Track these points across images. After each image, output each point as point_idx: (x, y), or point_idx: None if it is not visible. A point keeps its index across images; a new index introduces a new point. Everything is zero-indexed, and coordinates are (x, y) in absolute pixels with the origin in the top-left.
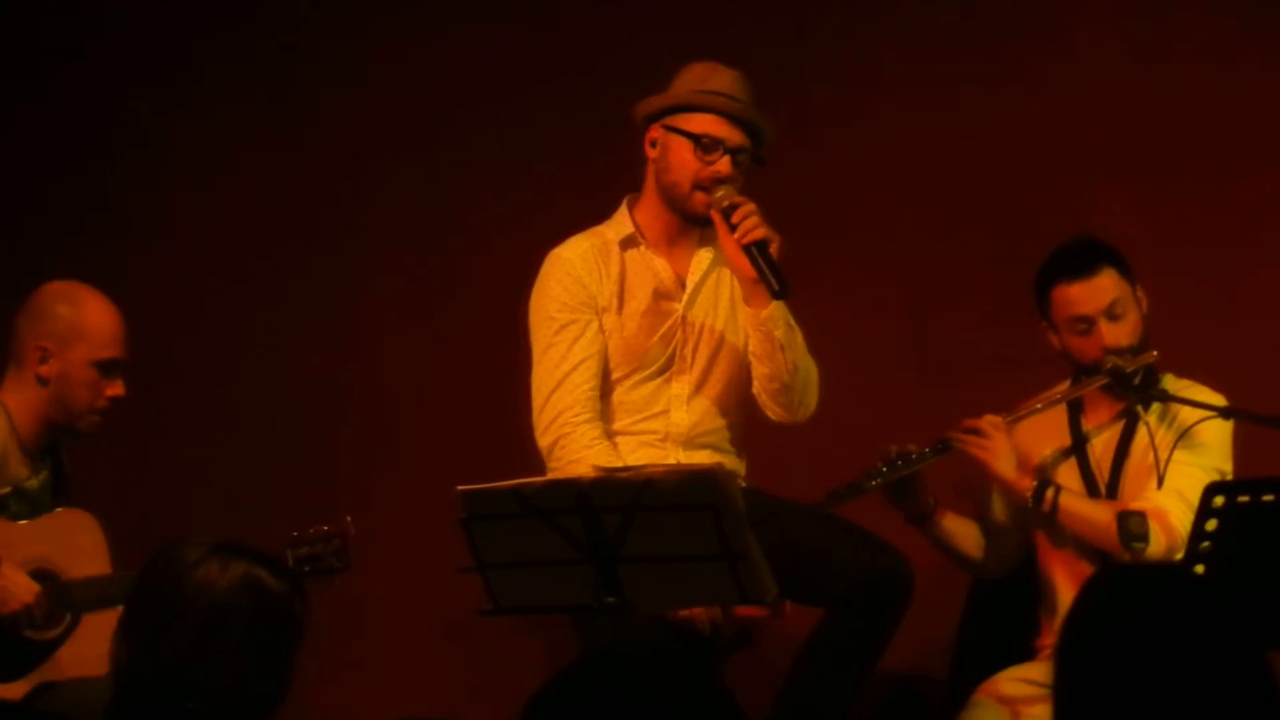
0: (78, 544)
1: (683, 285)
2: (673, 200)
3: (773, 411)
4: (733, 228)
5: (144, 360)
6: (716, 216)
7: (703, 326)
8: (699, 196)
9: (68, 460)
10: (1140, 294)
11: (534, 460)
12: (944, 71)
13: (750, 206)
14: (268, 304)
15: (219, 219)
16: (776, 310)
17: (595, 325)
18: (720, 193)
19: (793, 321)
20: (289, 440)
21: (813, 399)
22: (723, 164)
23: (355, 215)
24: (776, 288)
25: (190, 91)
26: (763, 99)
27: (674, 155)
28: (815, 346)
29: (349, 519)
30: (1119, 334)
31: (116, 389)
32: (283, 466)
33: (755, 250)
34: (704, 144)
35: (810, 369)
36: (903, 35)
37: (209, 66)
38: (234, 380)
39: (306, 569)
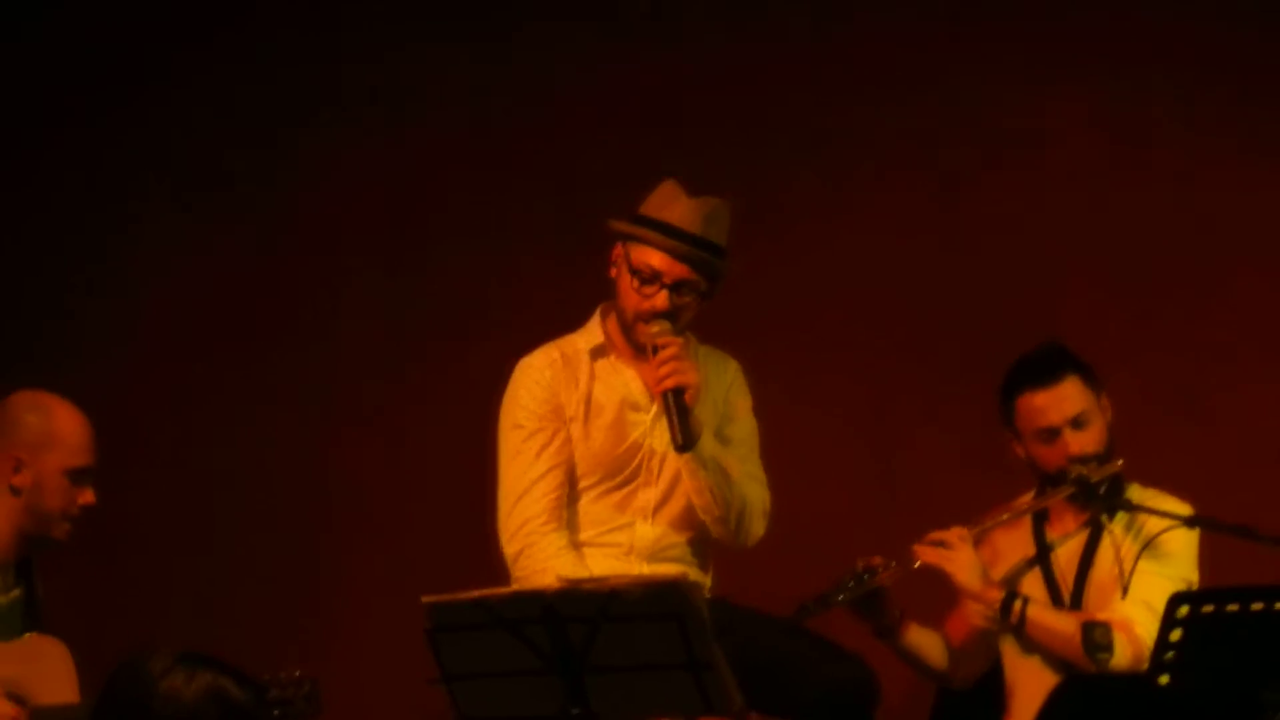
0: (48, 670)
1: (651, 398)
2: (622, 324)
3: (714, 534)
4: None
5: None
6: (649, 351)
7: (670, 440)
8: (640, 328)
9: (40, 584)
10: (1105, 402)
11: (503, 568)
12: (916, 176)
13: (672, 350)
14: (238, 413)
15: (188, 326)
16: (698, 454)
17: (563, 434)
18: (655, 328)
19: (724, 462)
20: (257, 548)
21: (754, 528)
22: (659, 299)
23: (325, 322)
24: (680, 441)
25: (157, 195)
26: (737, 210)
27: (621, 281)
28: (783, 453)
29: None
30: (1084, 442)
31: (87, 497)
32: (251, 575)
33: (669, 398)
34: (641, 276)
35: (750, 501)
36: (876, 138)
37: (180, 169)
38: (200, 490)
39: (276, 713)
